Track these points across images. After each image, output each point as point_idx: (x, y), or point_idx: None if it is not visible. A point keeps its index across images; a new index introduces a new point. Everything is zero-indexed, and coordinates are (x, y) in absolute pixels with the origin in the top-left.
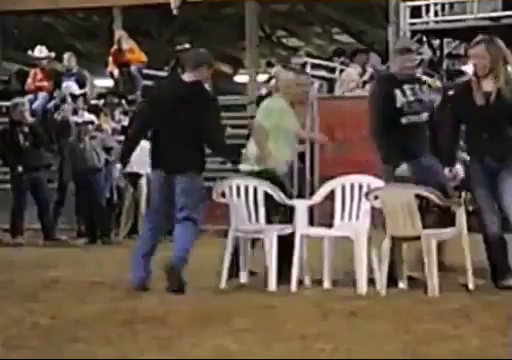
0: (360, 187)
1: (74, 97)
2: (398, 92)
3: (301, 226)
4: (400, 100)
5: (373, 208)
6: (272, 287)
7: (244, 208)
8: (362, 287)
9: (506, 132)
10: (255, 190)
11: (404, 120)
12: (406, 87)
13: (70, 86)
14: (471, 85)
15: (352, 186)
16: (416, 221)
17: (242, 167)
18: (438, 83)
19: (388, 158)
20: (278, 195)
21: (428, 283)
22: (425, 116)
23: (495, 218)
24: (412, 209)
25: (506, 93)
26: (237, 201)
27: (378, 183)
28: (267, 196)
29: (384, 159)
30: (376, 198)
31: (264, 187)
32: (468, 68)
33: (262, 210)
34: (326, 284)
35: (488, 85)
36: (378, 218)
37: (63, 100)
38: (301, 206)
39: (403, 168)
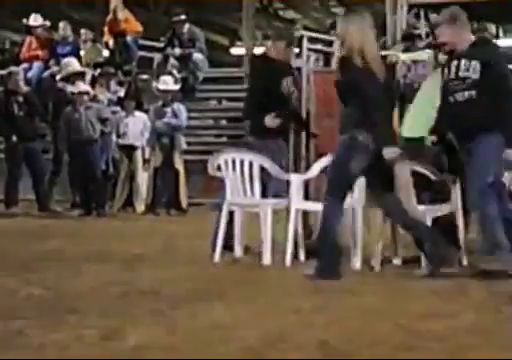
0: None
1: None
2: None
3: (296, 200)
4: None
5: None
6: (267, 261)
7: (239, 182)
8: (357, 262)
9: None
10: (251, 164)
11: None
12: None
13: (72, 63)
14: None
15: None
16: (410, 196)
17: None
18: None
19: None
20: (273, 168)
21: (422, 259)
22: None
23: None
24: (408, 184)
25: None
26: (232, 175)
27: None
28: (263, 170)
29: None
30: None
31: (259, 160)
32: None
33: (257, 184)
34: None
35: None
36: None
37: (66, 79)
38: (296, 180)
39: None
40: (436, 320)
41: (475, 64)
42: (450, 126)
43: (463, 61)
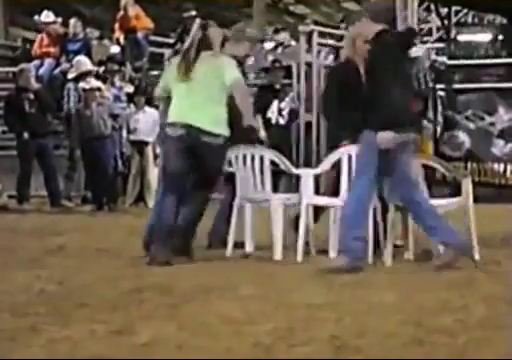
0: None
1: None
2: None
3: (307, 195)
4: None
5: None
6: (278, 256)
7: (250, 177)
8: (367, 257)
9: None
10: (261, 159)
11: None
12: None
13: (83, 62)
14: (356, 65)
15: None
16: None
17: None
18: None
19: None
20: (283, 163)
21: (433, 253)
22: None
23: None
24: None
25: None
26: (243, 170)
27: None
28: (272, 164)
29: None
30: None
31: (270, 155)
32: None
33: (268, 179)
34: (332, 254)
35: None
36: None
37: (76, 79)
38: (307, 175)
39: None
40: (447, 314)
41: None
42: None
43: None
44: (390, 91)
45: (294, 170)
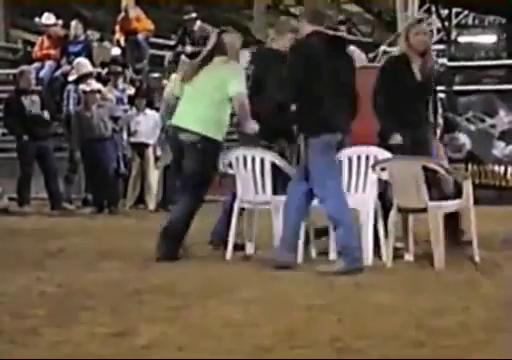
0: (367, 158)
1: (87, 76)
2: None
3: None
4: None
5: (379, 180)
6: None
7: (251, 179)
8: (368, 258)
9: (427, 105)
10: (262, 161)
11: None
12: None
13: (84, 64)
14: (408, 60)
15: (359, 157)
16: (423, 193)
17: None
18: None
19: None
20: (285, 166)
21: (434, 255)
22: None
23: None
24: (419, 181)
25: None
26: (244, 172)
27: (385, 154)
28: (274, 167)
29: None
30: (383, 169)
31: (271, 157)
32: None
33: (269, 181)
34: (332, 255)
35: (419, 61)
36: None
37: (77, 81)
38: None
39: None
40: (448, 316)
41: None
42: None
43: None
44: (321, 95)
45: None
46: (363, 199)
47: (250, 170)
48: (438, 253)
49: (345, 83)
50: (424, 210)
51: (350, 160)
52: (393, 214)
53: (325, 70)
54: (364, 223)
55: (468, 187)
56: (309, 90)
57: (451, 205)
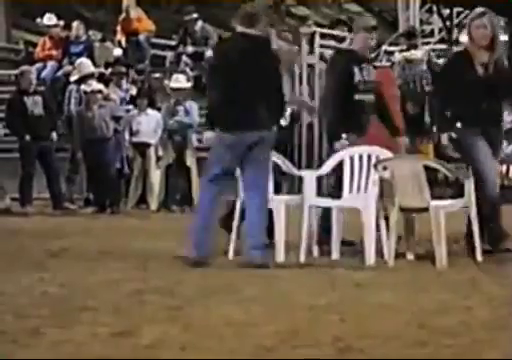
0: (369, 158)
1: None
2: (356, 69)
3: (309, 196)
4: (357, 77)
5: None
6: (280, 258)
7: None
8: (370, 258)
9: (500, 101)
10: None
11: (357, 97)
12: (363, 66)
13: (86, 64)
14: (469, 55)
15: (361, 157)
16: (425, 192)
17: None
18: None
19: (335, 132)
20: (286, 165)
21: (436, 255)
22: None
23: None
24: (421, 180)
25: (502, 63)
26: None
27: (387, 154)
28: (275, 166)
29: (331, 132)
30: (385, 169)
31: (272, 157)
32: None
33: (270, 180)
34: (334, 255)
35: (485, 55)
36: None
37: (79, 82)
38: (309, 176)
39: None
40: (450, 315)
41: None
42: None
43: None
44: (232, 92)
45: (296, 171)
46: (365, 198)
47: None
48: (440, 252)
49: (261, 83)
50: (426, 209)
51: (352, 160)
52: (394, 213)
53: (239, 71)
54: (366, 222)
55: (470, 186)
56: (221, 89)
57: (453, 204)
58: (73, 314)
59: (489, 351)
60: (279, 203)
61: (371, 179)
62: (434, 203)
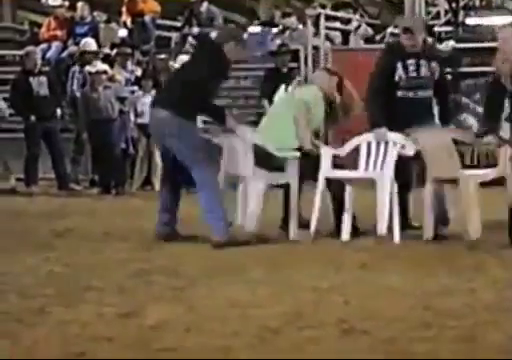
0: (386, 143)
1: (90, 53)
2: (400, 65)
3: (325, 169)
4: (398, 74)
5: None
6: (293, 235)
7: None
8: (382, 229)
9: None
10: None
11: (399, 93)
12: (410, 62)
13: (89, 43)
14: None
15: (378, 143)
16: (455, 162)
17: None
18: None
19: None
20: (267, 147)
21: (468, 224)
22: (426, 93)
23: None
24: (451, 151)
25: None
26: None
27: (403, 140)
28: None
29: (372, 124)
30: (403, 147)
31: (253, 139)
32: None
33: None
34: (344, 236)
35: None
36: None
37: (82, 64)
38: (326, 152)
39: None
40: (454, 298)
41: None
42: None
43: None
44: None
45: (277, 152)
46: (380, 174)
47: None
48: (472, 222)
49: (187, 78)
50: (456, 180)
51: (370, 144)
52: (428, 185)
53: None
54: (380, 193)
55: (505, 154)
56: None
57: (485, 174)
58: (78, 294)
59: (493, 333)
60: (256, 179)
61: (387, 159)
62: (465, 173)
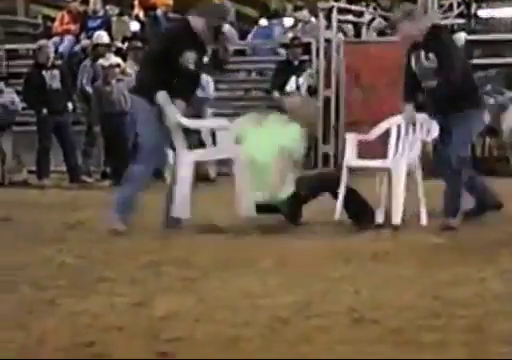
0: (414, 125)
1: (102, 46)
2: (412, 55)
3: (349, 158)
4: (411, 64)
5: None
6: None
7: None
8: (397, 217)
9: None
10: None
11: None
12: (416, 52)
13: (102, 36)
14: None
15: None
16: None
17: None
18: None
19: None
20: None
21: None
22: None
23: None
24: None
25: None
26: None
27: (431, 122)
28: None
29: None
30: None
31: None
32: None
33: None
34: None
35: None
36: None
37: (94, 57)
38: (351, 139)
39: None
40: (464, 287)
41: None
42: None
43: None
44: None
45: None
46: (395, 164)
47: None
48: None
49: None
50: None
51: (399, 127)
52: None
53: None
54: (395, 182)
55: None
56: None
57: None
58: (90, 285)
59: (503, 322)
60: (185, 158)
61: (414, 144)
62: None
